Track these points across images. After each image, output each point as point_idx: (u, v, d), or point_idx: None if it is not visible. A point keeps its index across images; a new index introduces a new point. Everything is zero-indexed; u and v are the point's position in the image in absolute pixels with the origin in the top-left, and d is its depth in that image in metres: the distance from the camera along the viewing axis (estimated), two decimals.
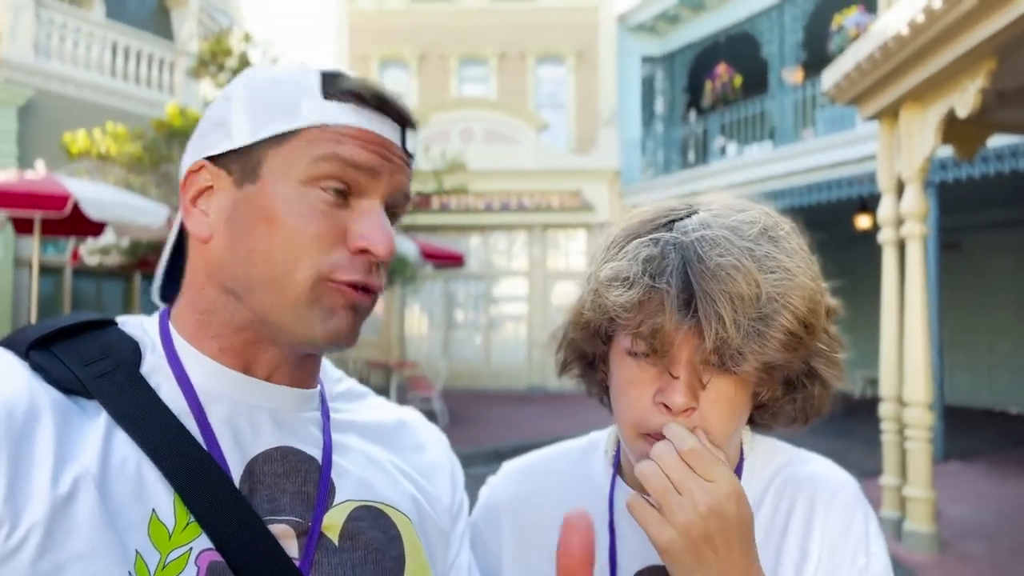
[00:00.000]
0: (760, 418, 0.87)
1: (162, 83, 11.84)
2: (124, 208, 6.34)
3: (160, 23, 13.25)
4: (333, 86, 0.72)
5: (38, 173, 6.51)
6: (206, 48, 9.05)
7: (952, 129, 4.90)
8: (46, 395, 0.63)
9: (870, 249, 5.75)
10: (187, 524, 0.63)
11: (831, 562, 0.81)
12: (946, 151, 5.93)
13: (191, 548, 0.63)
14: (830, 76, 5.40)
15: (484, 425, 10.08)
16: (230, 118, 0.73)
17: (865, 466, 6.60)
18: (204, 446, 0.67)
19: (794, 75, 12.93)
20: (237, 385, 0.73)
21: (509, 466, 1.03)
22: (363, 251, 0.70)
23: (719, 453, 0.75)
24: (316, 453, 0.75)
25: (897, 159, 5.12)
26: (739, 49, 14.22)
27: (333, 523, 0.72)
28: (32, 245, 6.82)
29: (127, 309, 11.31)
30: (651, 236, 0.79)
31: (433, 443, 0.92)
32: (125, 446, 0.64)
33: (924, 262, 4.96)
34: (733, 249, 0.75)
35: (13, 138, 9.75)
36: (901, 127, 5.03)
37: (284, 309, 0.69)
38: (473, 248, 15.58)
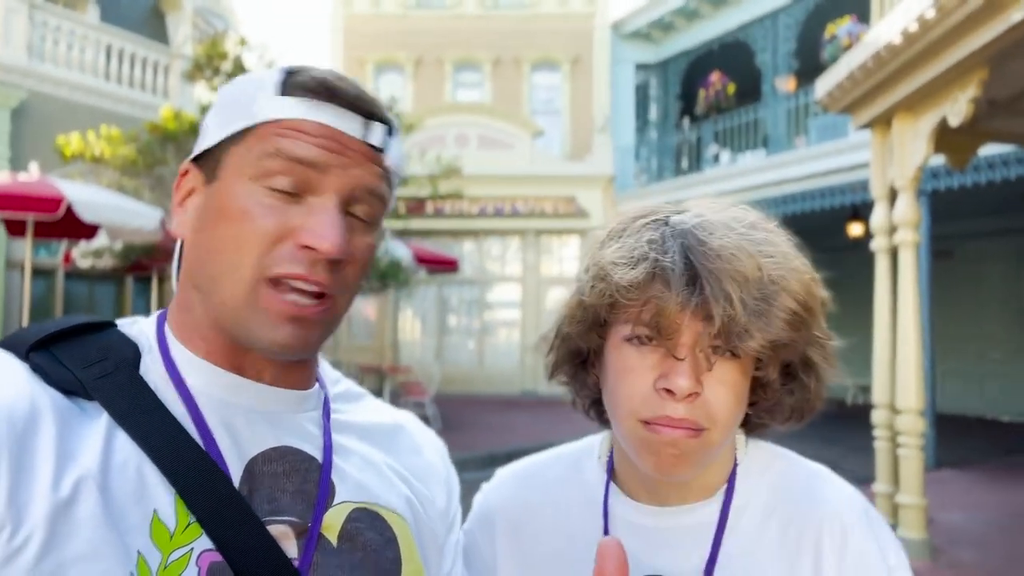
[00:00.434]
0: (757, 416, 0.86)
1: (156, 86, 11.82)
2: (117, 211, 6.32)
3: (154, 26, 13.24)
4: (289, 82, 0.71)
5: (31, 175, 6.49)
6: (201, 52, 9.04)
7: (944, 138, 4.93)
8: (46, 397, 0.63)
9: (863, 257, 5.78)
10: (188, 524, 0.64)
11: None
12: (938, 160, 5.96)
13: (192, 548, 0.63)
14: (823, 85, 5.44)
15: (477, 430, 10.07)
16: (208, 121, 0.75)
17: (857, 473, 6.61)
18: (203, 447, 0.67)
19: (787, 84, 13.01)
20: (231, 387, 0.73)
21: (503, 472, 1.02)
22: (308, 248, 0.67)
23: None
24: (316, 453, 0.75)
25: (890, 167, 5.15)
26: (733, 57, 14.29)
27: (332, 524, 0.72)
28: (24, 247, 6.79)
29: (119, 312, 11.27)
30: (651, 223, 0.80)
31: (429, 447, 0.91)
32: (126, 447, 0.64)
33: (916, 270, 4.99)
34: (732, 234, 0.76)
35: (6, 140, 9.72)
36: (894, 136, 5.06)
37: (229, 310, 0.69)
38: (467, 253, 15.58)
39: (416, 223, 13.56)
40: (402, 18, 16.62)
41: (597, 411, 0.93)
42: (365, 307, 15.16)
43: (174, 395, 0.70)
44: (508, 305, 15.87)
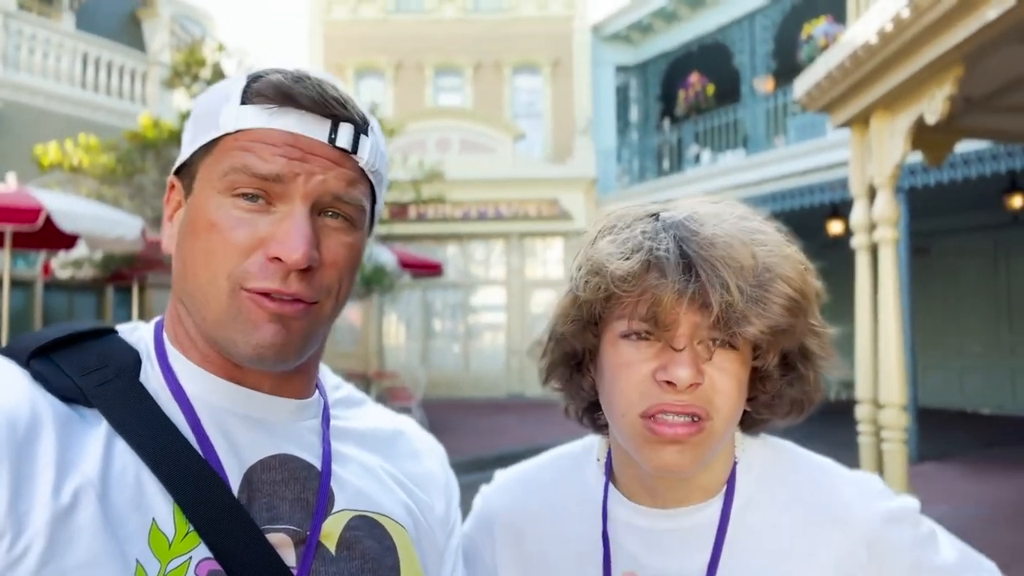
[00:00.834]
0: (756, 412, 0.85)
1: (134, 94, 11.72)
2: (97, 220, 6.25)
3: (131, 33, 13.13)
4: (250, 89, 0.70)
5: (9, 186, 6.41)
6: (180, 59, 8.98)
7: (921, 135, 4.99)
8: (47, 404, 0.63)
9: (843, 254, 5.83)
10: (187, 533, 0.63)
11: None
12: (916, 157, 6.03)
13: (190, 557, 0.63)
14: (802, 84, 5.48)
15: (464, 434, 10.05)
16: (185, 133, 0.75)
17: None
18: (202, 455, 0.67)
19: (765, 84, 13.11)
20: (229, 396, 0.72)
21: (503, 477, 1.01)
22: (277, 259, 0.66)
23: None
24: (315, 461, 0.74)
25: (868, 165, 5.20)
26: (711, 58, 14.38)
27: (331, 532, 0.72)
28: (3, 259, 6.70)
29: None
30: (642, 218, 0.80)
31: (429, 452, 0.91)
32: (125, 455, 0.64)
33: (896, 266, 5.04)
34: (724, 224, 0.76)
35: None
36: (872, 134, 5.12)
37: (211, 324, 0.68)
38: (451, 257, 15.56)
39: (399, 228, 13.54)
40: (381, 23, 16.58)
41: (591, 418, 0.92)
42: (349, 313, 15.09)
43: (173, 403, 0.70)
44: (493, 308, 15.86)
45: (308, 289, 0.68)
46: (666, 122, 15.66)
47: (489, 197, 15.08)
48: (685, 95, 14.46)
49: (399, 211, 13.33)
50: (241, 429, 0.71)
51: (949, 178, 8.50)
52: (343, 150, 0.70)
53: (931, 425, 9.58)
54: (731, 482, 0.86)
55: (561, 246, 15.39)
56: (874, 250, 5.26)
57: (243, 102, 0.69)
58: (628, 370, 0.77)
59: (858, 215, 5.36)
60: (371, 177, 0.75)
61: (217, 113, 0.70)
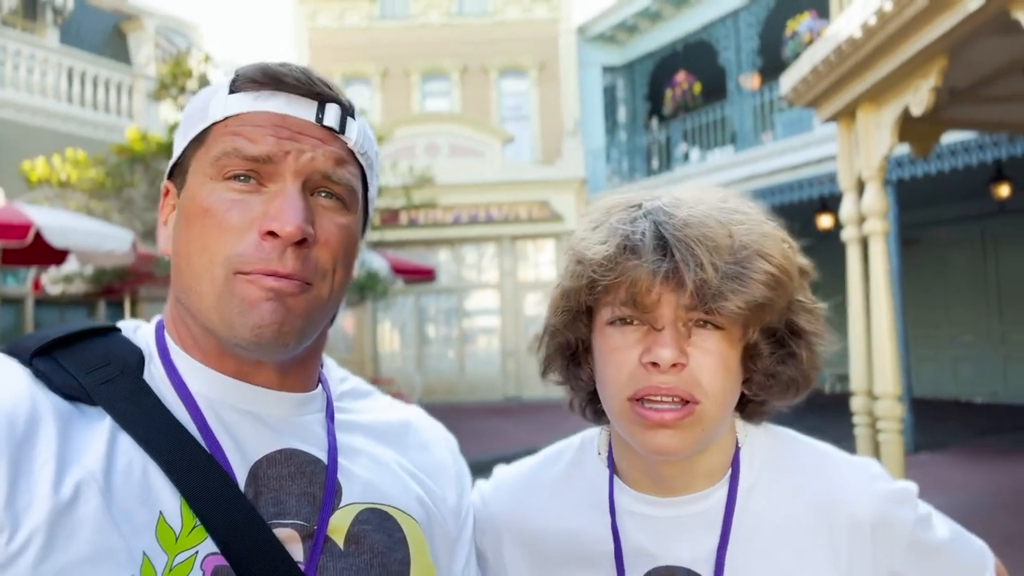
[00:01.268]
0: (753, 394, 0.85)
1: (121, 107, 11.68)
2: (87, 235, 6.23)
3: (116, 47, 13.09)
4: (238, 78, 0.72)
5: None
6: (166, 71, 8.96)
7: (908, 127, 5.02)
8: (48, 401, 0.63)
9: (833, 247, 5.86)
10: (193, 527, 0.64)
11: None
12: (903, 149, 6.07)
13: (197, 551, 0.63)
14: (788, 80, 5.51)
15: (461, 438, 9.87)
16: (175, 138, 0.76)
17: None
18: (208, 450, 0.68)
19: (751, 81, 13.17)
20: (233, 391, 0.73)
21: (502, 477, 1.01)
22: (272, 234, 0.67)
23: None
24: (321, 455, 0.75)
25: (856, 158, 5.23)
26: (697, 57, 14.44)
27: (339, 526, 0.72)
28: None
29: None
30: (624, 208, 0.82)
31: (439, 442, 0.92)
32: (131, 450, 0.64)
33: (887, 258, 5.07)
34: (701, 206, 0.78)
35: None
36: (859, 127, 5.15)
37: (209, 310, 0.69)
38: (443, 262, 15.55)
39: (391, 234, 13.52)
40: (366, 30, 16.58)
41: (593, 410, 0.93)
42: (344, 320, 15.06)
43: (177, 401, 0.70)
44: (486, 312, 15.86)
45: (303, 268, 0.69)
46: (654, 121, 15.71)
47: (479, 201, 15.09)
48: (672, 94, 14.51)
49: (390, 217, 13.32)
50: (245, 425, 0.72)
51: (936, 169, 8.56)
52: (331, 129, 0.72)
53: (926, 415, 9.63)
54: (735, 468, 0.87)
55: (553, 248, 15.40)
56: (864, 243, 5.28)
57: (231, 91, 0.72)
58: (616, 355, 0.78)
59: (847, 208, 5.38)
60: (361, 160, 0.76)
61: (206, 106, 0.72)
